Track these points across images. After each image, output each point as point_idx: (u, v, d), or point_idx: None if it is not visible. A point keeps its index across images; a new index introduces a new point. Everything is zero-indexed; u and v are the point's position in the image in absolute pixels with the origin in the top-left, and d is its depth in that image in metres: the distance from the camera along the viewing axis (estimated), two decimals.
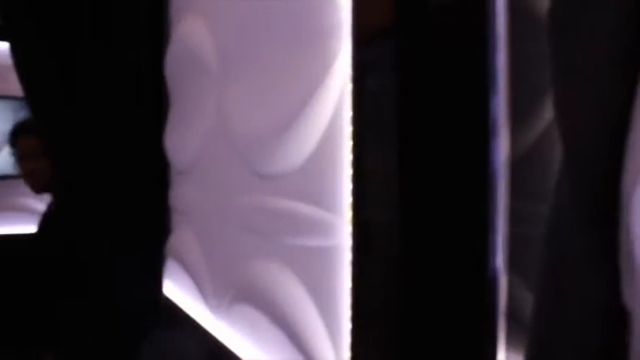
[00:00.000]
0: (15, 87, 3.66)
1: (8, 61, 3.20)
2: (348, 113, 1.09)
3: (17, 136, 2.14)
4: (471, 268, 0.99)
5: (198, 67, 1.72)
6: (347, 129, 1.09)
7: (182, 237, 1.91)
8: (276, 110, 1.29)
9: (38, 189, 2.18)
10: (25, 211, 3.75)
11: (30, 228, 3.76)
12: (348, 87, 1.08)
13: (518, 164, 0.90)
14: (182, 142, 1.85)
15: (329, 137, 1.16)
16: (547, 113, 0.82)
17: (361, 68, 1.04)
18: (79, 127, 1.92)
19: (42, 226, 2.24)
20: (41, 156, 2.07)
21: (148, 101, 2.01)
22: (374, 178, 1.02)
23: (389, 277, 1.01)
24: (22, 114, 3.54)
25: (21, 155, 2.14)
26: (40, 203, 3.77)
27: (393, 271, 1.00)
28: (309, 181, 1.20)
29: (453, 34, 0.95)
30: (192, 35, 1.78)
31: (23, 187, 3.67)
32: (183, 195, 1.92)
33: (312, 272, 1.21)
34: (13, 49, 1.91)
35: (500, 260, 0.93)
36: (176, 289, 2.01)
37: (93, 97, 1.92)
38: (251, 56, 1.44)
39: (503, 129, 0.91)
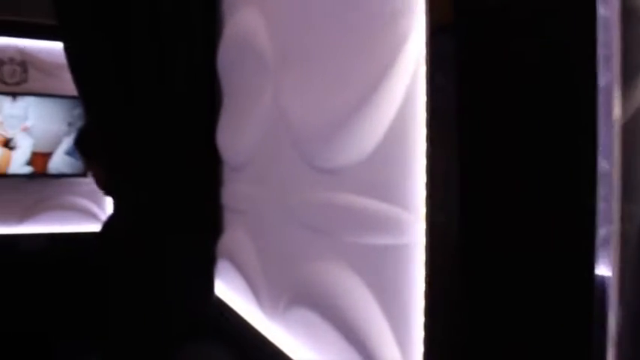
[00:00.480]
0: (69, 86, 3.69)
1: (62, 59, 3.22)
2: (420, 100, 0.98)
3: (80, 141, 2.13)
4: (565, 272, 0.87)
5: (252, 59, 1.64)
6: (419, 117, 0.98)
7: (235, 236, 1.83)
8: (338, 99, 1.19)
9: (104, 190, 2.16)
10: (79, 210, 3.76)
11: (85, 227, 3.79)
12: (421, 72, 0.97)
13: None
14: (236, 137, 1.78)
15: (398, 126, 1.05)
16: None
17: (437, 52, 0.93)
18: (133, 126, 1.87)
19: (105, 225, 2.21)
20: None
21: (200, 97, 1.94)
22: (451, 171, 0.91)
23: (467, 280, 0.89)
24: (76, 112, 3.58)
25: (86, 158, 2.14)
26: (94, 203, 3.80)
27: (472, 273, 0.89)
28: (376, 174, 1.10)
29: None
30: (246, 26, 1.71)
31: (78, 185, 3.71)
32: (236, 192, 1.84)
33: (379, 273, 1.10)
34: (68, 49, 1.88)
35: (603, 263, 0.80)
36: (228, 290, 1.93)
37: (146, 94, 1.87)
38: (310, 44, 1.34)
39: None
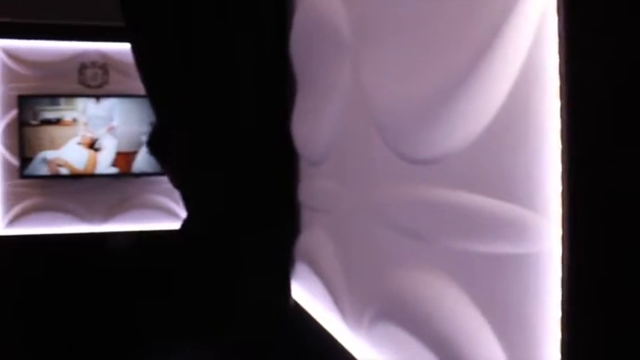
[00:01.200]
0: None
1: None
2: (549, 63, 0.73)
3: (152, 142, 2.02)
4: None
5: (328, 41, 1.43)
6: (548, 85, 0.73)
7: (314, 237, 1.62)
8: (434, 74, 0.95)
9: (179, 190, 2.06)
10: (160, 208, 3.70)
11: (166, 224, 3.74)
12: (550, 23, 0.72)
13: None
14: (312, 129, 1.57)
15: (517, 100, 0.80)
16: None
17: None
18: (203, 124, 1.73)
19: (182, 226, 2.10)
20: None
21: (272, 89, 1.76)
22: (600, 155, 0.66)
23: (625, 304, 0.64)
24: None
25: (159, 159, 2.04)
26: (174, 201, 3.74)
27: (632, 295, 0.63)
28: (487, 163, 0.85)
29: None
30: (320, 5, 1.50)
31: (159, 184, 3.66)
32: (314, 189, 1.64)
33: (492, 289, 0.86)
34: (135, 49, 1.76)
35: None
36: (306, 295, 1.74)
37: (216, 90, 1.72)
38: (394, 14, 1.11)
39: None
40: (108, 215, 3.62)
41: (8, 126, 3.50)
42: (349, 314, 1.39)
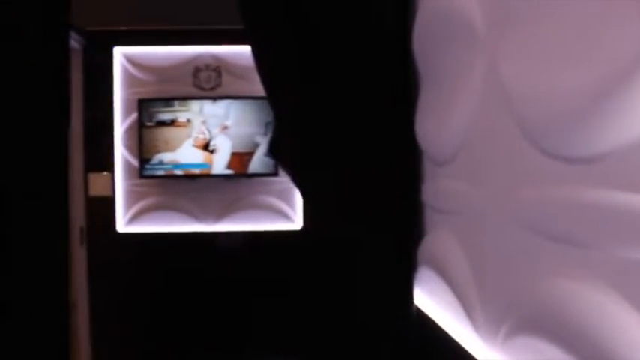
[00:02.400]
0: (260, 88, 3.73)
1: (252, 62, 3.23)
2: None
3: (272, 147, 2.06)
4: None
5: (459, 34, 1.38)
6: None
7: (440, 240, 1.57)
8: (592, 69, 0.88)
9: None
10: (271, 209, 3.78)
11: (277, 225, 3.82)
12: None
13: None
14: (439, 126, 1.52)
15: None
16: None
17: None
18: (322, 125, 1.72)
19: (305, 225, 2.13)
20: None
21: (395, 86, 1.73)
22: None
23: None
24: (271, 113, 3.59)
25: (281, 164, 2.07)
26: (285, 202, 3.81)
27: None
28: None
29: None
30: None
31: (271, 185, 3.74)
32: (441, 190, 1.59)
33: None
34: (255, 51, 1.79)
35: None
36: (431, 301, 1.69)
37: (336, 89, 1.71)
38: (538, 5, 1.05)
39: None
40: (221, 215, 3.75)
41: (129, 129, 3.72)
42: (481, 323, 1.33)
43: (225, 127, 3.61)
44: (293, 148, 1.79)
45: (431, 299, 1.68)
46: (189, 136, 3.62)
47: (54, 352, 1.79)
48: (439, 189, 1.60)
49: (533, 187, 1.07)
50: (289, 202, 3.77)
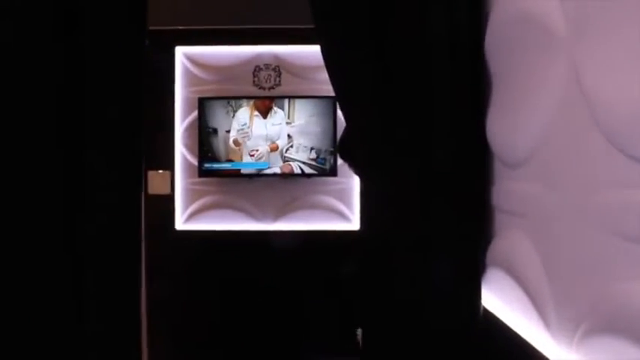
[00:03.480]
0: (318, 87, 3.83)
1: (311, 62, 3.31)
2: None
3: (342, 147, 2.14)
4: None
5: (536, 34, 1.42)
6: None
7: (511, 242, 1.62)
8: None
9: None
10: (328, 209, 3.86)
11: (334, 225, 3.90)
12: None
13: None
14: (513, 128, 1.57)
15: None
16: None
17: None
18: (394, 125, 1.78)
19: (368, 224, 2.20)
20: None
21: (467, 87, 1.77)
22: None
23: None
24: (328, 112, 3.70)
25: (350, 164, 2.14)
26: (342, 202, 3.88)
27: None
28: None
29: None
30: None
31: (328, 185, 3.83)
32: (513, 192, 1.63)
33: None
34: (325, 50, 1.85)
35: None
36: (500, 302, 1.73)
37: (409, 87, 1.76)
38: (623, 8, 1.09)
39: None
40: (278, 214, 3.86)
41: (188, 127, 3.87)
42: (555, 324, 1.37)
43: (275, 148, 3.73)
44: (363, 148, 1.86)
45: (500, 300, 1.73)
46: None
47: (126, 351, 1.89)
48: (511, 191, 1.65)
49: (613, 189, 1.11)
50: (347, 202, 3.84)
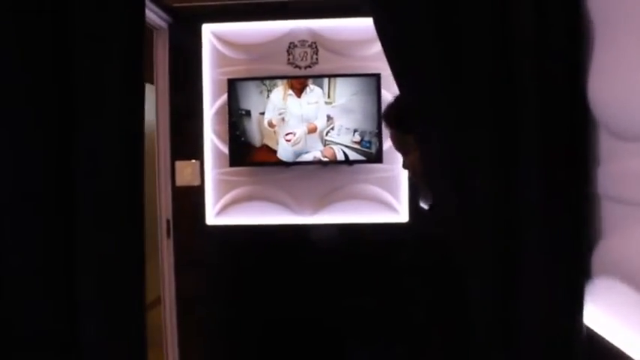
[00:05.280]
0: (357, 64, 3.43)
1: (350, 37, 2.92)
2: None
3: (390, 113, 1.77)
4: None
5: None
6: None
7: (628, 241, 1.21)
8: None
9: (415, 181, 1.78)
10: (373, 199, 3.48)
11: (379, 217, 3.52)
12: None
13: None
14: (630, 89, 1.16)
15: None
16: None
17: None
18: (458, 107, 1.40)
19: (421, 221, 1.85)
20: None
21: (558, 37, 1.36)
22: None
23: None
24: (371, 90, 3.31)
25: (392, 140, 1.78)
26: (389, 192, 3.49)
27: None
28: None
29: None
30: None
31: (372, 173, 3.45)
32: (630, 173, 1.22)
33: None
34: (379, 23, 1.49)
35: None
36: (611, 323, 1.32)
37: (480, 43, 1.38)
38: None
39: None
40: (318, 206, 3.49)
41: (218, 112, 3.53)
42: None
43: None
44: (420, 122, 1.48)
45: (609, 318, 1.32)
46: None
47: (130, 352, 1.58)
48: (627, 172, 1.23)
49: None
50: (394, 191, 3.44)
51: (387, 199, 3.43)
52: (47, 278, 1.50)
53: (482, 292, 1.42)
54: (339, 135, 3.33)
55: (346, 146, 3.33)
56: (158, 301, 3.65)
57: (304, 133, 3.35)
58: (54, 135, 1.50)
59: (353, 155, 3.34)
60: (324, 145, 3.35)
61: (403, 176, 3.39)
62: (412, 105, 1.48)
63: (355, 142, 3.33)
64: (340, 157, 3.34)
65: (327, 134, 3.34)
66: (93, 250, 1.51)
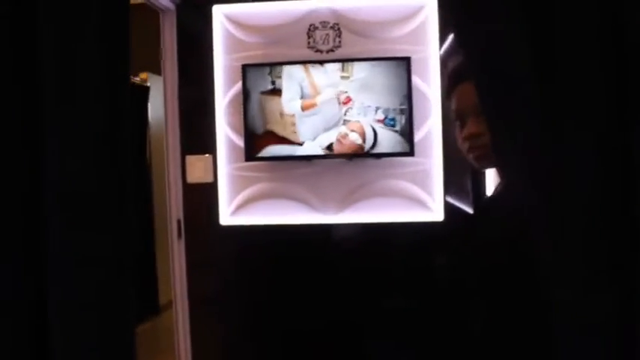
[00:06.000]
0: (384, 47, 3.11)
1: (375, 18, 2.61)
2: None
3: (453, 85, 1.45)
4: None
5: None
6: None
7: None
8: None
9: (481, 163, 1.44)
10: (404, 197, 3.18)
11: (410, 216, 3.21)
12: None
13: None
14: None
15: None
16: None
17: None
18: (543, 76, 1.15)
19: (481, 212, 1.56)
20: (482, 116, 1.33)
21: None
22: None
23: None
24: (399, 75, 3.00)
25: (457, 111, 1.44)
26: (422, 188, 3.20)
27: None
28: None
29: None
30: None
31: (402, 167, 3.14)
32: None
33: None
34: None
35: None
36: None
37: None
38: None
39: None
40: (343, 204, 3.18)
41: (232, 102, 3.22)
42: None
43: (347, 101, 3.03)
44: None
45: None
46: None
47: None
48: None
49: None
50: (427, 187, 3.13)
51: (420, 195, 3.12)
52: (15, 292, 1.26)
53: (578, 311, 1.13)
54: (359, 114, 3.01)
55: (375, 138, 3.02)
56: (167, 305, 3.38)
57: (325, 103, 3.03)
58: (16, 132, 1.25)
59: (380, 131, 3.01)
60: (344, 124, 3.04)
61: (437, 170, 3.09)
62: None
63: (378, 121, 3.00)
64: (369, 132, 3.01)
65: (346, 114, 3.02)
66: (66, 254, 1.25)
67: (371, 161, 3.10)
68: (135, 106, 4.93)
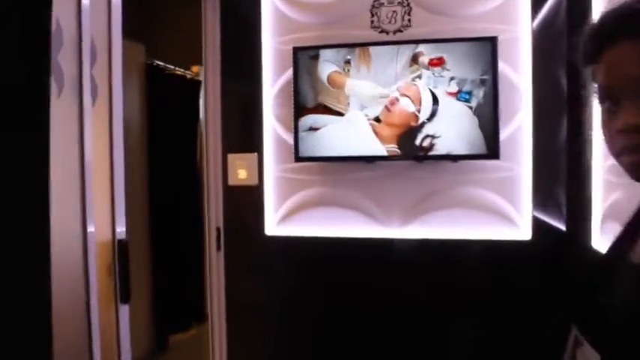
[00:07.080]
0: (462, 26, 2.57)
1: None
2: None
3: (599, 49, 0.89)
4: None
5: None
6: None
7: None
8: None
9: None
10: (482, 209, 2.63)
11: (493, 233, 2.65)
12: None
13: None
14: None
15: None
16: None
17: None
18: None
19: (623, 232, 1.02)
20: None
21: None
22: None
23: None
24: (483, 58, 2.45)
25: (606, 89, 0.89)
26: (505, 199, 2.62)
27: None
28: None
29: None
30: None
31: (482, 173, 2.61)
32: None
33: None
34: None
35: None
36: None
37: None
38: None
39: None
40: (409, 215, 2.67)
41: (281, 91, 2.77)
42: None
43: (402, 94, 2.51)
44: None
45: None
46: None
47: None
48: None
49: None
50: (513, 198, 2.57)
51: (504, 207, 2.57)
52: None
53: None
54: (428, 85, 2.49)
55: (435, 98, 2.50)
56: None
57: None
58: None
59: (446, 103, 2.49)
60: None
61: (526, 177, 2.53)
62: None
63: (449, 94, 2.47)
64: (426, 98, 2.50)
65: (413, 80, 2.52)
66: None
67: (445, 164, 2.57)
68: (186, 101, 4.56)
